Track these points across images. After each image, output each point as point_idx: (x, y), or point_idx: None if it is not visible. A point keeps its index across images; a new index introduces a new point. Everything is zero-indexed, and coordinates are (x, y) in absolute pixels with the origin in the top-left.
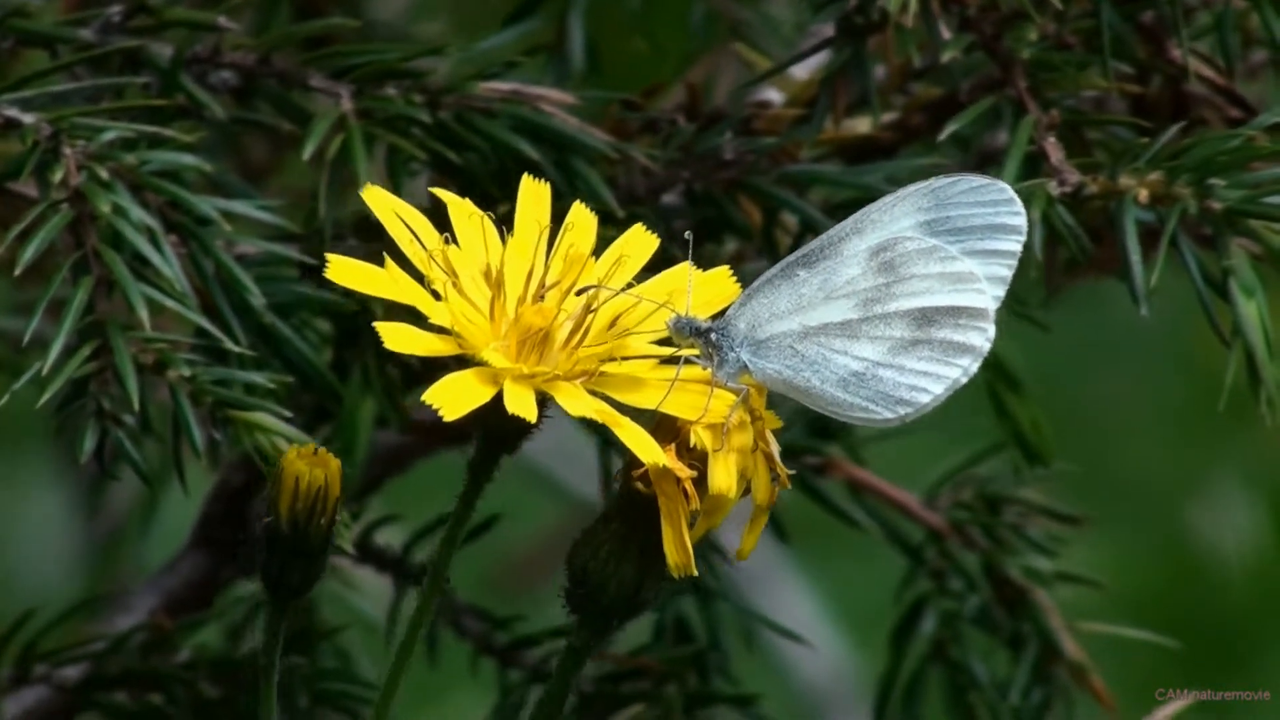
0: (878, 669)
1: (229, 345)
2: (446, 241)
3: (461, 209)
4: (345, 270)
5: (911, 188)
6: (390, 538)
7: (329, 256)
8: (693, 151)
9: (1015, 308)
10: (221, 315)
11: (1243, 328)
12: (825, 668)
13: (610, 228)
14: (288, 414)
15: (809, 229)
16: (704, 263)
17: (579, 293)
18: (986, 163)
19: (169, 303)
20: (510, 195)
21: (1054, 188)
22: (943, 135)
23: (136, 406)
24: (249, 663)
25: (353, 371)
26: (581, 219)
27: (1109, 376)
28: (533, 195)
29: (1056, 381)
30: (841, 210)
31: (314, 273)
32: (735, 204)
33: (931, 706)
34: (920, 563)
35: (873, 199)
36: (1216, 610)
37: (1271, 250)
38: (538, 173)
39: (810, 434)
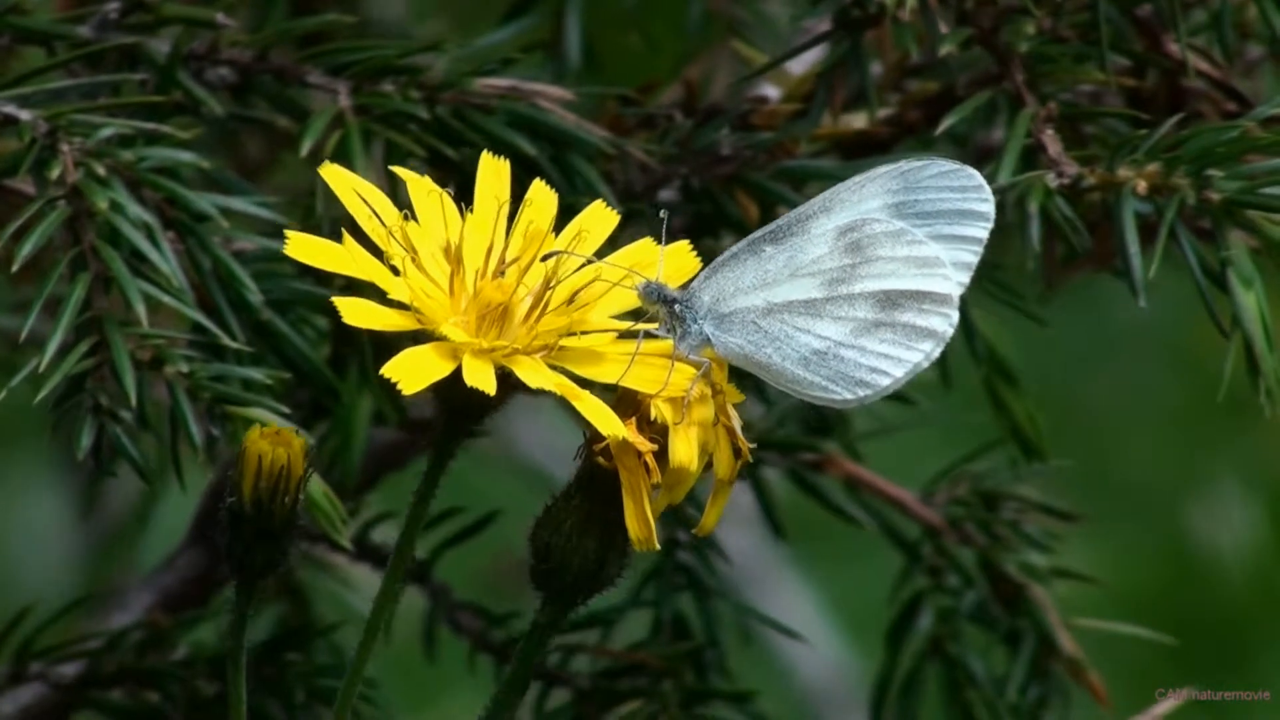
0: (875, 665)
1: (226, 341)
2: (406, 218)
3: (420, 185)
4: (303, 246)
5: (881, 169)
6: (387, 535)
7: (287, 233)
8: (690, 147)
9: (1013, 303)
10: (219, 311)
11: (1241, 319)
12: (822, 664)
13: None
14: (285, 410)
15: None
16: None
17: (545, 258)
18: (984, 157)
19: (166, 299)
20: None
21: (1052, 180)
22: (940, 129)
23: (134, 403)
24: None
25: (350, 368)
26: (541, 196)
27: (1107, 374)
28: (492, 171)
29: (1055, 379)
30: None
31: (311, 268)
32: (732, 199)
33: (929, 703)
34: (917, 559)
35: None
36: (1214, 608)
37: (1270, 241)
38: (535, 169)
39: (807, 430)
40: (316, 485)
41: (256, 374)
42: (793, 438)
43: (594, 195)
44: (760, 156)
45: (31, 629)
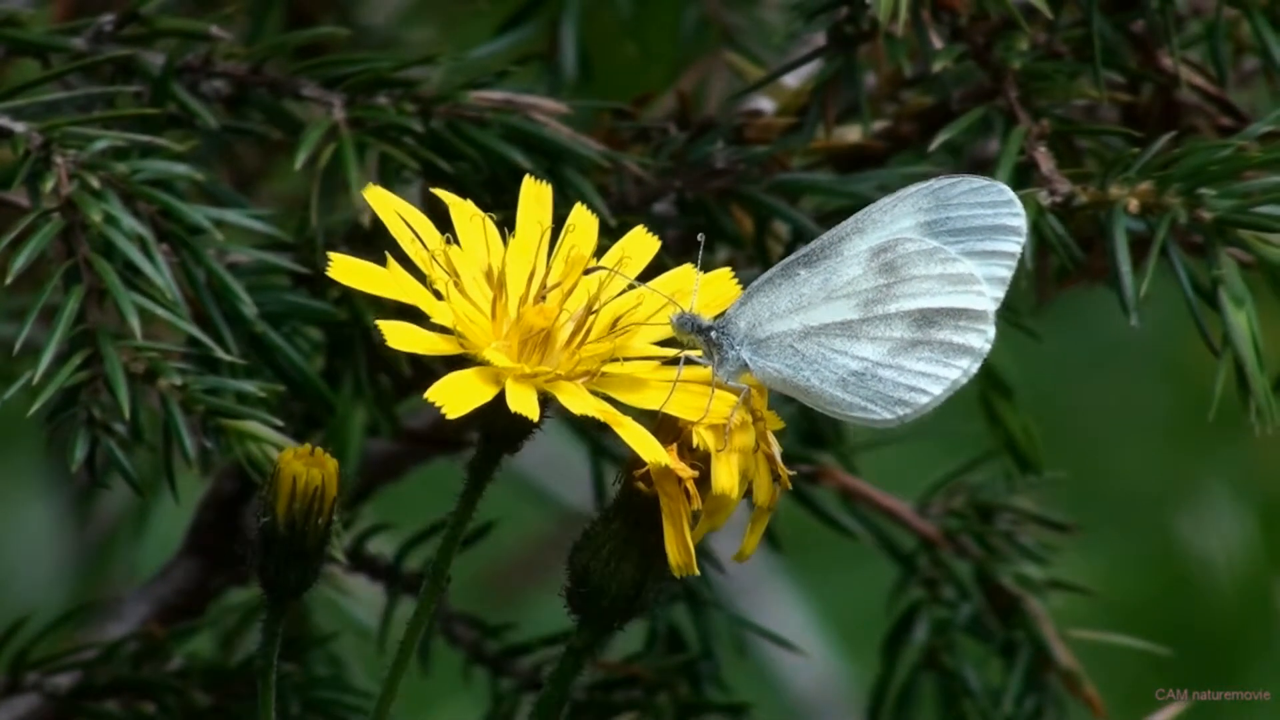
0: (870, 677)
1: (220, 354)
2: (448, 242)
3: (463, 210)
4: (347, 269)
5: (913, 188)
6: (382, 546)
7: (331, 255)
8: (684, 160)
9: (1007, 317)
10: (213, 324)
11: (1232, 337)
12: (817, 676)
13: (603, 236)
14: (279, 422)
15: (800, 237)
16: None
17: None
18: (977, 172)
19: (160, 311)
20: (502, 204)
21: (1045, 197)
22: (934, 144)
23: (127, 415)
24: (241, 671)
25: (344, 380)
26: (583, 221)
27: (1100, 386)
28: (534, 196)
29: (1048, 390)
30: (833, 218)
31: (306, 281)
32: (727, 212)
33: (924, 715)
34: (913, 571)
35: (864, 207)
36: (1206, 619)
37: (1262, 260)
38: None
39: (803, 442)
40: None
41: (250, 387)
42: (788, 449)
43: (588, 208)
44: (754, 170)
45: (27, 639)
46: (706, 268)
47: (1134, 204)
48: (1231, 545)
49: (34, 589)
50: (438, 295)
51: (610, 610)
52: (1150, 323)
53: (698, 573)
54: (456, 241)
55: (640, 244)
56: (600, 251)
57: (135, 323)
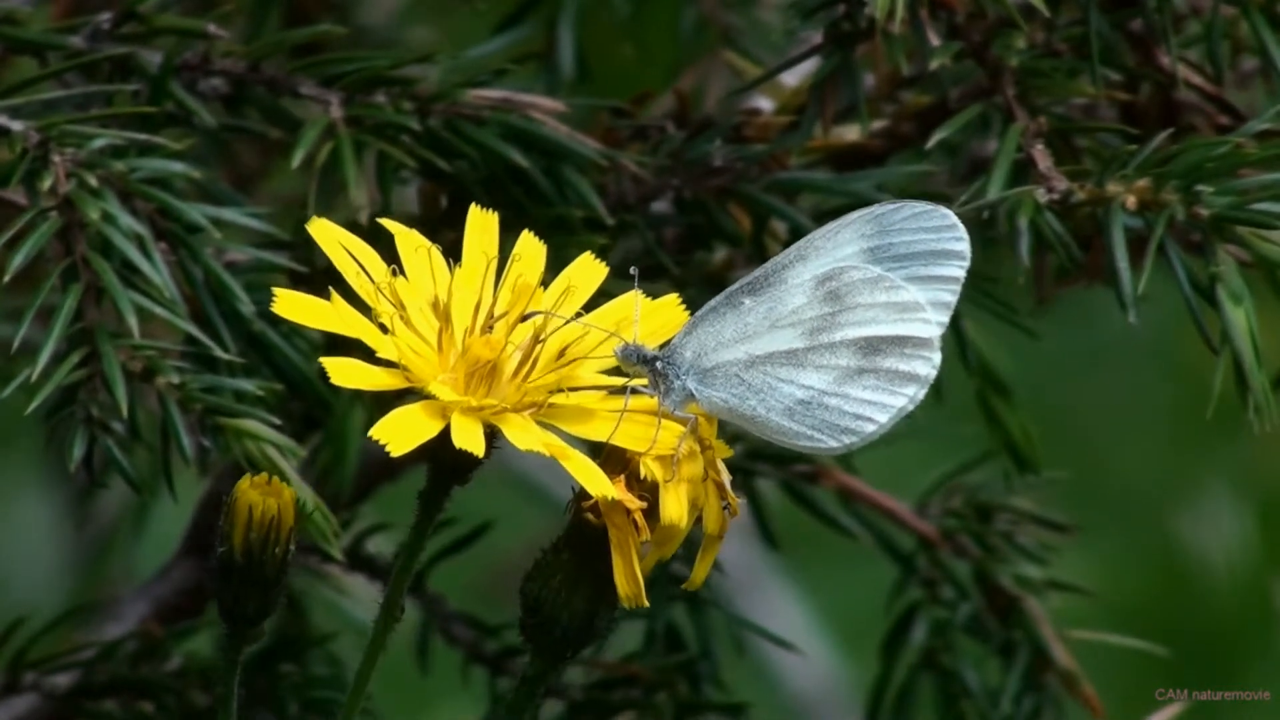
0: (868, 677)
1: (218, 352)
2: (394, 273)
3: (409, 240)
4: (291, 305)
5: (855, 214)
6: (381, 546)
7: (275, 291)
8: (682, 159)
9: (1005, 315)
10: (211, 322)
11: (1230, 334)
12: (816, 676)
13: (601, 235)
14: (277, 421)
15: (798, 236)
16: (691, 272)
17: (525, 318)
18: (976, 170)
19: (158, 310)
20: (500, 203)
21: (1042, 195)
22: (931, 143)
23: (125, 414)
24: (239, 671)
25: None
26: (529, 250)
27: (1098, 384)
28: (480, 225)
29: (1046, 389)
30: (830, 216)
31: (304, 280)
32: (725, 211)
33: (923, 715)
34: (911, 571)
35: (862, 205)
36: (1204, 619)
37: (1260, 257)
38: (527, 181)
39: None
40: (309, 497)
41: (249, 385)
42: (786, 450)
43: (586, 207)
44: (753, 169)
45: (25, 639)
46: (703, 267)
47: (1131, 201)
48: (1231, 544)
49: (32, 588)
50: (384, 329)
51: (562, 640)
52: (1149, 321)
53: (647, 604)
54: (403, 273)
55: (587, 271)
56: (597, 249)
57: (133, 321)
